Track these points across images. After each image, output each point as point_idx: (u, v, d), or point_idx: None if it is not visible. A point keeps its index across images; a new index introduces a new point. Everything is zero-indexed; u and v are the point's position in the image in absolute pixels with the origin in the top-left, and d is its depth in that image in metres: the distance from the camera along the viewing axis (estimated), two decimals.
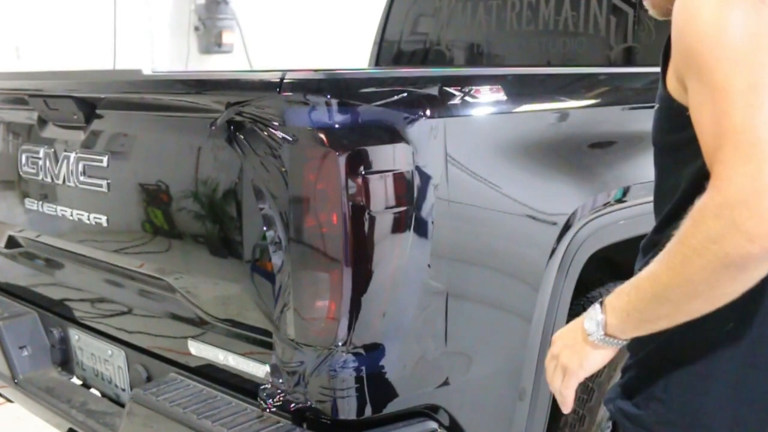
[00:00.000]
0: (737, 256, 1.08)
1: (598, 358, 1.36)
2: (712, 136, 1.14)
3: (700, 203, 1.12)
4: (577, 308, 2.22)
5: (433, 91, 1.79)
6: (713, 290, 1.14)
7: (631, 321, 1.27)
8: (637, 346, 1.39)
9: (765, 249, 1.06)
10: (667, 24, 1.40)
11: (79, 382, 2.60)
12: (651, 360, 1.36)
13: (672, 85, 1.28)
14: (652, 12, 1.46)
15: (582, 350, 1.36)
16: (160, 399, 1.95)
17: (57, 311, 2.61)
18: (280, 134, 1.67)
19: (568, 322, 2.07)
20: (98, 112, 2.21)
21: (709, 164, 1.15)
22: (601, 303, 1.32)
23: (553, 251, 1.97)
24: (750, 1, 1.15)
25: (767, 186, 1.05)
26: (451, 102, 1.82)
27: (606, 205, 2.08)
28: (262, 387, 1.78)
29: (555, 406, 2.09)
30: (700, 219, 1.11)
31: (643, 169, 2.14)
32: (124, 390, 2.37)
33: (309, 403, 1.71)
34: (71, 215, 2.32)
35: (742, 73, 1.12)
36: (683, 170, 1.30)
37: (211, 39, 6.13)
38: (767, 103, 1.10)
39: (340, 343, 1.68)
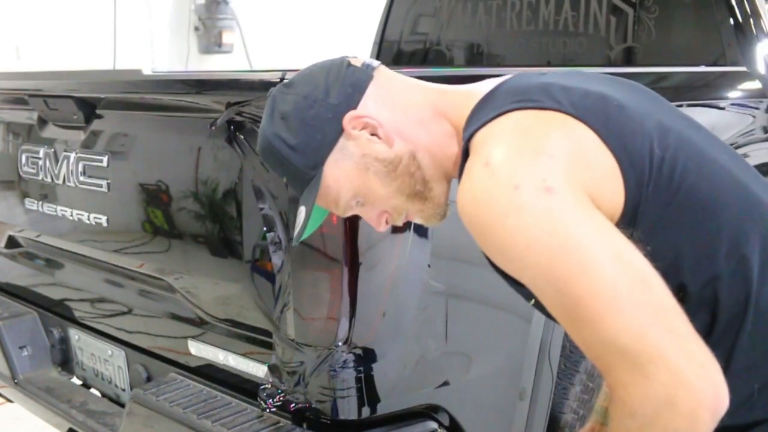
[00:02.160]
0: None
1: None
2: (581, 345, 1.11)
3: (617, 414, 1.07)
4: None
5: None
6: None
7: None
8: None
9: (705, 425, 1.03)
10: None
11: (79, 382, 2.60)
12: None
13: None
14: (428, 224, 1.40)
15: None
16: (160, 399, 1.95)
17: (57, 311, 2.61)
18: None
19: None
20: (98, 112, 2.21)
21: (595, 364, 1.11)
22: None
23: None
24: (536, 198, 1.08)
25: (660, 389, 1.01)
26: None
27: None
28: (262, 387, 1.78)
29: (555, 406, 2.09)
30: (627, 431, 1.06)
31: None
32: (124, 390, 2.37)
33: (309, 403, 1.71)
34: (71, 215, 2.32)
35: (572, 283, 1.06)
36: None
37: (211, 39, 6.13)
38: (609, 309, 1.04)
39: (340, 343, 1.68)
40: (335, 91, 1.29)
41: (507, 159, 1.13)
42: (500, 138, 1.17)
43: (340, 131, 1.28)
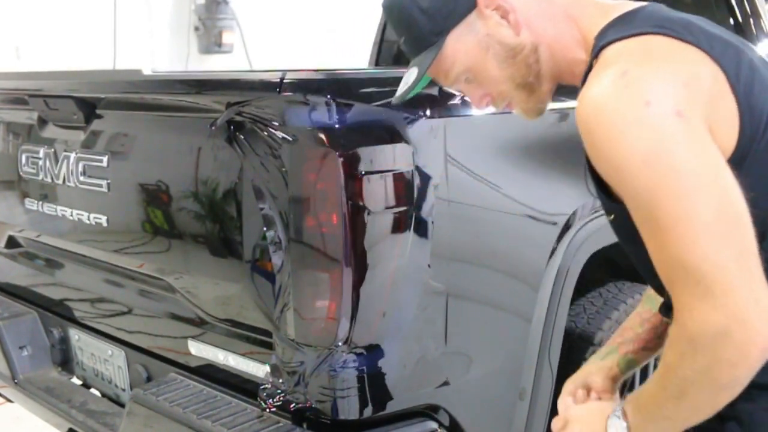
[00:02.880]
0: (727, 381, 1.14)
1: None
2: (660, 264, 1.16)
3: (675, 335, 1.16)
4: (577, 308, 2.22)
5: (433, 91, 1.79)
6: (717, 405, 1.19)
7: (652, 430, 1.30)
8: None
9: (750, 368, 1.12)
10: None
11: (79, 382, 2.60)
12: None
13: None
14: (524, 117, 1.44)
15: None
16: (160, 399, 1.95)
17: (57, 311, 2.61)
18: (280, 134, 1.67)
19: (568, 322, 2.08)
20: (98, 112, 2.21)
21: (666, 286, 1.17)
22: (623, 412, 1.32)
23: (553, 251, 1.97)
24: (672, 119, 1.12)
25: (722, 320, 1.09)
26: (451, 102, 1.82)
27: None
28: (262, 387, 1.78)
29: (555, 406, 2.09)
30: (681, 352, 1.16)
31: None
32: (124, 390, 2.37)
33: (309, 403, 1.71)
34: (71, 215, 2.32)
35: (676, 203, 1.11)
36: None
37: (211, 39, 6.13)
38: (701, 235, 1.10)
39: (340, 343, 1.68)
40: None
41: (644, 74, 1.16)
42: (640, 54, 1.20)
43: (472, 6, 1.32)
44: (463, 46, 1.34)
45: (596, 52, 1.27)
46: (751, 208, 1.13)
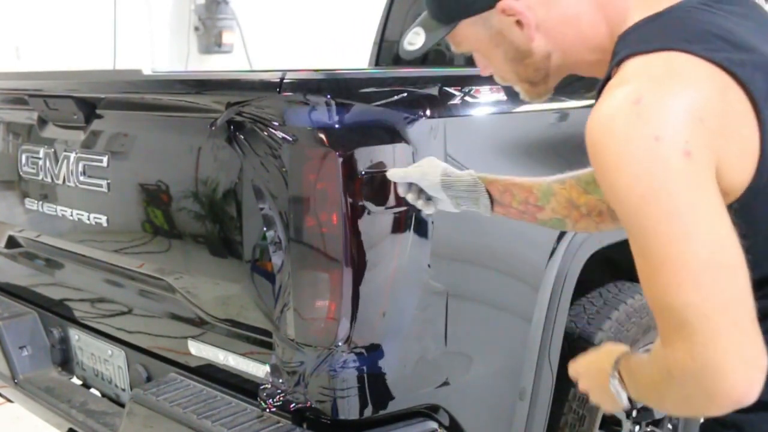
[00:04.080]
0: (699, 412, 1.15)
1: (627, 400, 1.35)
2: (648, 297, 1.13)
3: (658, 354, 1.14)
4: (577, 308, 2.22)
5: (433, 91, 1.79)
6: (694, 415, 1.21)
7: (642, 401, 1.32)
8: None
9: (721, 411, 1.09)
10: None
11: (79, 382, 2.60)
12: None
13: None
14: (524, 97, 1.42)
15: (612, 397, 1.33)
16: (160, 399, 1.95)
17: (57, 311, 2.61)
18: (280, 134, 1.67)
19: (568, 322, 2.08)
20: (98, 112, 2.21)
21: (654, 315, 1.15)
22: (620, 375, 1.30)
23: (553, 251, 1.97)
24: (678, 160, 1.07)
25: (699, 368, 1.06)
26: (451, 102, 1.82)
27: None
28: (262, 387, 1.78)
29: (555, 406, 2.10)
30: (660, 372, 1.14)
31: None
32: (124, 390, 2.37)
33: (309, 403, 1.71)
34: (71, 215, 2.32)
35: (666, 246, 1.08)
36: None
37: (211, 39, 6.13)
38: (687, 281, 1.06)
39: (340, 343, 1.68)
40: None
41: (659, 105, 1.10)
42: (660, 76, 1.14)
43: (493, 4, 1.29)
44: (475, 35, 1.33)
45: (618, 61, 1.22)
46: (746, 247, 1.09)
